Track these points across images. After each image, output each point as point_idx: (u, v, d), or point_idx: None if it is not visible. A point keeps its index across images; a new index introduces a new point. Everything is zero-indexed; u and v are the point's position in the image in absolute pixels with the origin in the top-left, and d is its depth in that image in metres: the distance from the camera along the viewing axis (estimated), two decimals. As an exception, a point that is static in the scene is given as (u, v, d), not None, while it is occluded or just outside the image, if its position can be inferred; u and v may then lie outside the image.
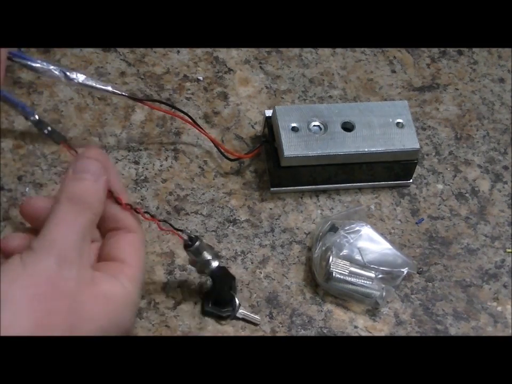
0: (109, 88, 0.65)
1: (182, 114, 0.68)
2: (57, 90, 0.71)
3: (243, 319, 0.61)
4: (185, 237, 0.57)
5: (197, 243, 0.57)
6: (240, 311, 0.61)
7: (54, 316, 0.47)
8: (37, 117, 0.56)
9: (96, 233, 0.54)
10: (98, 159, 0.52)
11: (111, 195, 0.53)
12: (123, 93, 0.66)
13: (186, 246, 0.58)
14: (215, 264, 0.58)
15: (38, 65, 0.63)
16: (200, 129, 0.68)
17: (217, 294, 0.60)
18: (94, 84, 0.65)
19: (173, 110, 0.68)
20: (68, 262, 0.48)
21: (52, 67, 0.63)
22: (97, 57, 0.74)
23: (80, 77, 0.64)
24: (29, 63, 0.64)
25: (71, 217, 0.49)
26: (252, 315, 0.61)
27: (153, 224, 0.56)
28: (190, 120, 0.68)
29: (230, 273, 0.61)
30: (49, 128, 0.55)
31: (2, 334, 0.45)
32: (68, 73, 0.64)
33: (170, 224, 0.57)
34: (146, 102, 0.68)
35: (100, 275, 0.50)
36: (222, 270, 0.60)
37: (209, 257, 0.58)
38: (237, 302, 0.61)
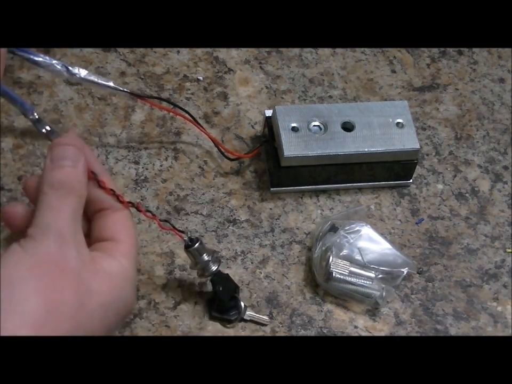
0: (111, 84, 0.65)
1: (182, 112, 0.68)
2: (57, 90, 0.71)
3: (251, 321, 0.61)
4: (186, 237, 0.57)
5: (197, 244, 0.57)
6: (247, 313, 0.60)
7: (62, 293, 0.47)
8: (36, 115, 0.56)
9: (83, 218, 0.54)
10: (74, 144, 0.52)
11: (94, 178, 0.53)
12: (124, 89, 0.66)
13: (187, 247, 0.58)
14: (214, 267, 0.58)
15: (40, 59, 0.64)
16: (201, 128, 0.68)
17: (219, 299, 0.60)
18: (95, 80, 0.65)
19: (174, 108, 0.68)
20: (65, 242, 0.49)
21: (54, 61, 0.64)
22: (97, 57, 0.74)
23: (82, 72, 0.64)
24: (31, 57, 0.64)
25: (58, 203, 0.50)
26: (259, 316, 0.61)
27: (154, 224, 0.56)
28: (190, 118, 0.68)
29: (233, 281, 0.61)
30: (47, 128, 0.55)
31: (16, 314, 0.45)
32: (70, 68, 0.64)
33: (172, 224, 0.57)
34: (147, 99, 0.67)
35: (97, 254, 0.51)
36: (224, 276, 0.60)
37: (208, 259, 0.58)
38: (242, 304, 0.60)
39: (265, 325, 0.61)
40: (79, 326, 0.48)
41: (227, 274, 0.61)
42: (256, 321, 0.61)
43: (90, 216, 0.54)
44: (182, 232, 0.57)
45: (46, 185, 0.51)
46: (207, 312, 0.61)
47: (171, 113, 0.69)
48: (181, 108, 0.68)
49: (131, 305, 0.53)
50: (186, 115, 0.68)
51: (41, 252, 0.48)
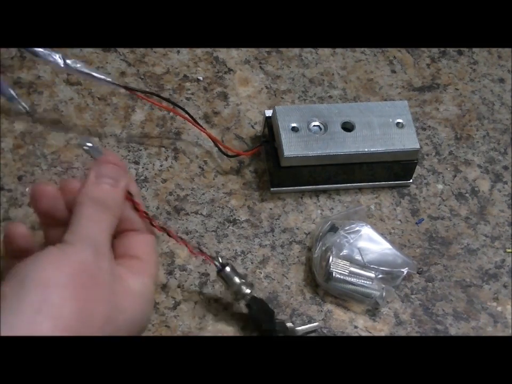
0: (106, 78, 0.65)
1: (180, 111, 0.68)
2: (57, 90, 0.71)
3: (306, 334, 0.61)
4: (217, 263, 0.58)
5: (227, 268, 0.58)
6: (299, 328, 0.60)
7: (95, 304, 0.48)
8: (12, 92, 0.55)
9: None
10: (117, 164, 0.54)
11: (130, 199, 0.54)
12: (120, 84, 0.66)
13: (219, 271, 0.59)
14: (247, 290, 0.59)
15: (40, 49, 0.64)
16: (198, 126, 0.68)
17: (253, 324, 0.60)
18: (90, 72, 0.65)
19: (173, 107, 0.68)
20: (102, 254, 0.50)
21: (51, 52, 0.64)
22: (97, 57, 0.74)
23: (79, 64, 0.64)
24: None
25: (97, 216, 0.51)
26: (310, 326, 0.60)
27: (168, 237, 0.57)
28: (188, 117, 0.68)
29: (269, 307, 0.60)
30: (89, 144, 0.55)
31: (51, 317, 0.46)
32: (66, 60, 0.64)
33: (202, 251, 0.59)
34: (140, 94, 0.67)
35: (124, 271, 0.52)
36: (260, 301, 0.60)
37: (241, 282, 0.58)
38: (289, 324, 0.60)
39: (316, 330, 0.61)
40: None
41: (262, 299, 0.60)
42: (310, 331, 0.61)
43: (116, 234, 0.55)
44: (213, 257, 0.59)
45: (87, 198, 0.52)
46: (254, 327, 0.60)
47: (170, 112, 0.69)
48: (179, 106, 0.68)
49: (147, 323, 0.55)
50: (184, 113, 0.68)
51: (80, 259, 0.49)
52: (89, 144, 0.55)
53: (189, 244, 0.57)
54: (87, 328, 0.47)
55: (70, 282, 0.47)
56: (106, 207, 0.52)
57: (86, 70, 0.65)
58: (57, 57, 0.64)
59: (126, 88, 0.67)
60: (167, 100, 0.68)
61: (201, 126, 0.68)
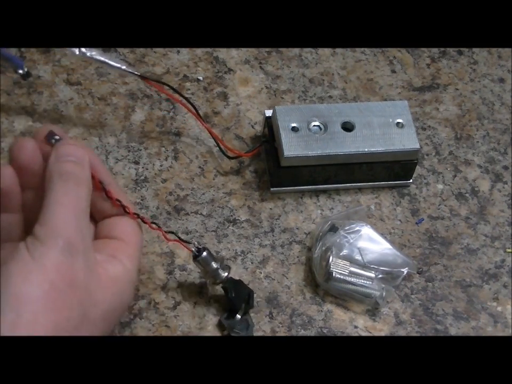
0: (121, 66, 0.65)
1: (186, 103, 0.68)
2: (57, 90, 0.71)
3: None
4: (193, 248, 0.58)
5: (204, 253, 0.58)
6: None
7: (69, 310, 0.48)
8: (25, 69, 0.55)
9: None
10: (79, 145, 0.53)
11: (101, 188, 0.54)
12: (135, 72, 0.66)
13: (195, 257, 0.58)
14: (224, 274, 0.59)
15: None
16: (203, 122, 0.68)
17: (232, 306, 0.60)
18: (106, 60, 0.65)
19: (181, 98, 0.68)
20: (74, 249, 0.48)
21: None
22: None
23: (94, 52, 0.64)
24: None
25: (68, 196, 0.50)
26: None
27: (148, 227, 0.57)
28: (193, 110, 0.68)
29: (247, 286, 0.61)
30: (56, 137, 0.54)
31: (25, 334, 0.45)
32: (81, 48, 0.64)
33: (178, 236, 0.58)
34: (153, 83, 0.67)
35: (102, 257, 0.52)
36: (236, 282, 0.60)
37: (217, 266, 0.58)
38: (238, 316, 0.60)
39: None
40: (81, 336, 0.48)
41: (239, 280, 0.61)
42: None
43: (98, 219, 0.55)
44: (188, 242, 0.58)
45: (53, 176, 0.50)
46: (219, 317, 0.60)
47: (172, 107, 0.69)
48: (185, 98, 0.68)
49: (128, 305, 0.54)
50: (189, 106, 0.68)
51: (50, 262, 0.48)
52: (57, 137, 0.53)
53: (162, 230, 0.57)
54: (62, 334, 0.47)
55: (43, 295, 0.46)
56: (76, 180, 0.51)
57: (101, 58, 0.65)
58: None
59: (141, 76, 0.66)
60: (178, 92, 0.68)
61: (205, 123, 0.68)
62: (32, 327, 0.46)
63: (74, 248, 0.49)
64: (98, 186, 0.54)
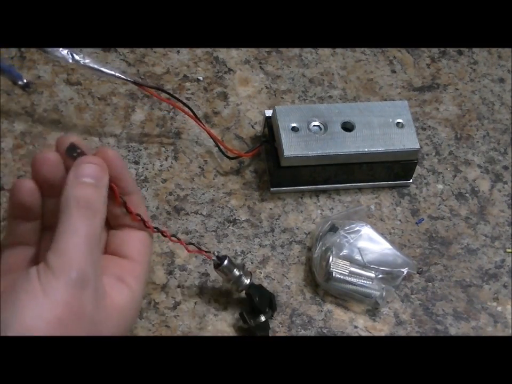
0: (115, 73, 0.65)
1: (183, 107, 0.67)
2: (57, 90, 0.71)
3: None
4: (214, 257, 0.58)
5: (226, 261, 0.58)
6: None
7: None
8: (24, 80, 0.55)
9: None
10: (98, 163, 0.52)
11: (122, 203, 0.53)
12: (128, 79, 0.66)
13: (216, 266, 0.58)
14: (247, 280, 0.59)
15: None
16: (201, 124, 0.68)
17: (257, 311, 0.60)
18: (99, 68, 0.65)
19: (176, 102, 0.68)
20: (86, 282, 0.48)
21: (60, 48, 0.63)
22: (97, 57, 0.74)
23: (87, 59, 0.64)
24: None
25: (83, 225, 0.49)
26: None
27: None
28: (191, 113, 0.68)
29: (267, 290, 0.61)
30: (78, 152, 0.53)
31: None
32: (74, 55, 0.64)
33: (198, 247, 0.58)
34: (149, 89, 0.67)
35: (110, 281, 0.51)
36: (258, 287, 0.60)
37: (240, 273, 0.59)
38: (262, 319, 0.60)
39: None
40: None
41: (260, 284, 0.61)
42: None
43: (112, 226, 0.54)
44: (209, 252, 0.58)
45: (71, 200, 0.50)
46: (241, 321, 0.60)
47: (172, 107, 0.69)
48: (182, 102, 0.68)
49: (132, 326, 0.54)
50: (187, 109, 0.68)
51: (61, 299, 0.47)
52: (79, 151, 0.52)
53: (184, 242, 0.57)
54: None
55: (48, 331, 0.46)
56: (93, 209, 0.50)
57: (95, 66, 0.65)
58: (65, 53, 0.63)
59: (135, 83, 0.66)
60: (175, 97, 0.68)
61: (203, 125, 0.68)
62: None
63: (86, 281, 0.48)
64: (118, 201, 0.53)
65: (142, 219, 0.54)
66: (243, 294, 0.60)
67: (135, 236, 0.54)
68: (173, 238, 0.56)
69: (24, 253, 0.52)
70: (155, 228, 0.55)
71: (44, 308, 0.46)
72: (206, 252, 0.58)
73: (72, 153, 0.52)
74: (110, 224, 0.55)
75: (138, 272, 0.53)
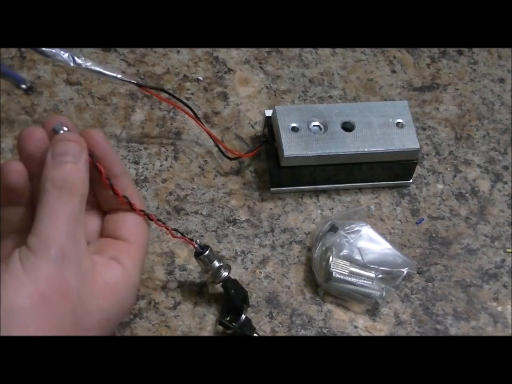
0: (116, 75, 0.65)
1: (184, 107, 0.67)
2: (57, 90, 0.71)
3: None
4: (196, 245, 0.58)
5: (208, 251, 0.58)
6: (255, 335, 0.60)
7: (58, 319, 0.47)
8: (28, 83, 0.54)
9: (93, 212, 0.54)
10: (76, 140, 0.52)
11: (109, 185, 0.53)
12: (131, 80, 0.66)
13: (197, 254, 0.58)
14: (225, 273, 0.59)
15: (46, 48, 0.63)
16: (201, 125, 0.68)
17: (231, 304, 0.60)
18: (101, 70, 0.64)
19: (177, 102, 0.68)
20: (66, 258, 0.48)
21: (61, 51, 0.63)
22: (97, 57, 0.74)
23: (89, 63, 0.64)
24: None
25: (61, 206, 0.49)
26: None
27: (153, 224, 0.56)
28: (192, 114, 0.68)
29: (242, 286, 0.61)
30: (64, 128, 0.53)
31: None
32: (75, 58, 0.64)
33: (181, 233, 0.58)
34: (151, 91, 0.67)
35: (100, 260, 0.51)
36: (234, 281, 0.60)
37: (220, 265, 0.59)
38: (243, 317, 0.60)
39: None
40: None
41: (236, 279, 0.61)
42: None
43: (106, 211, 0.55)
44: (192, 240, 0.58)
45: (48, 182, 0.50)
46: (218, 319, 0.60)
47: (172, 107, 0.69)
48: (183, 102, 0.68)
49: (130, 310, 0.53)
50: (188, 110, 0.67)
51: (43, 275, 0.47)
52: (65, 129, 0.52)
53: (168, 226, 0.57)
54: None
55: (34, 306, 0.46)
56: (71, 189, 0.50)
57: (97, 68, 0.64)
58: (66, 56, 0.63)
59: (138, 85, 0.66)
60: (178, 99, 0.68)
61: (204, 125, 0.68)
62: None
63: (66, 256, 0.48)
64: (105, 182, 0.53)
65: (128, 201, 0.54)
66: (217, 290, 0.60)
67: (131, 219, 0.54)
68: (159, 222, 0.56)
69: (16, 241, 0.52)
70: (141, 210, 0.54)
71: (26, 285, 0.47)
72: (189, 239, 0.58)
73: (59, 131, 0.52)
74: (104, 208, 0.55)
75: (133, 253, 0.53)
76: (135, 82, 0.66)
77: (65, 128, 0.52)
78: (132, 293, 0.53)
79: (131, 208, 0.54)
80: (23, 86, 0.54)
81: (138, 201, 0.55)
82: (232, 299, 0.59)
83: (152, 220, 0.55)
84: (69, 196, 0.50)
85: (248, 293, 0.61)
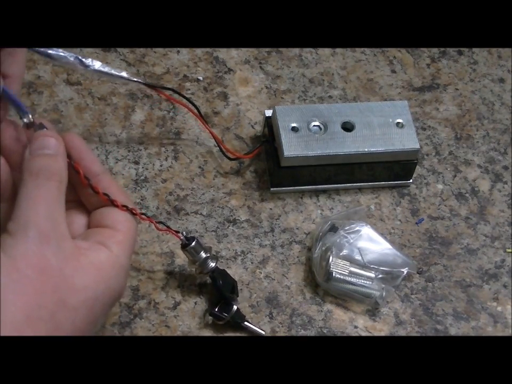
0: (124, 75, 0.65)
1: (188, 104, 0.67)
2: (57, 90, 0.71)
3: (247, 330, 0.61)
4: (182, 237, 0.58)
5: (194, 242, 0.58)
6: (246, 323, 0.60)
7: (41, 296, 0.47)
8: (31, 117, 0.54)
9: (79, 208, 0.55)
10: (54, 136, 0.53)
11: (88, 184, 0.53)
12: (138, 80, 0.66)
13: (184, 246, 0.58)
14: (212, 263, 0.59)
15: (52, 52, 0.63)
16: (205, 124, 0.68)
17: (219, 294, 0.60)
18: (109, 71, 0.64)
19: (183, 99, 0.68)
20: (45, 237, 0.48)
21: (66, 54, 0.63)
22: (97, 57, 0.74)
23: (96, 64, 0.64)
24: (43, 49, 0.63)
25: (37, 192, 0.50)
26: (255, 328, 0.60)
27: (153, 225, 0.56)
28: (196, 112, 0.67)
29: (231, 276, 0.61)
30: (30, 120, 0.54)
31: None
32: (83, 60, 0.63)
33: (167, 226, 0.58)
34: (158, 89, 0.67)
35: (85, 244, 0.51)
36: (222, 272, 0.60)
37: (206, 256, 0.59)
38: (234, 307, 0.60)
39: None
40: (60, 326, 0.47)
41: (224, 270, 0.61)
42: (252, 331, 0.60)
43: (90, 210, 0.55)
44: (178, 232, 0.58)
45: (25, 173, 0.51)
46: (208, 310, 0.61)
47: (172, 107, 0.69)
48: (188, 100, 0.68)
49: (120, 294, 0.52)
50: (193, 108, 0.67)
51: (20, 254, 0.47)
52: (45, 130, 0.53)
53: (152, 220, 0.56)
54: (36, 321, 0.46)
55: (11, 283, 0.46)
56: (47, 175, 0.50)
57: (105, 69, 0.64)
58: (73, 59, 0.63)
59: (147, 84, 0.66)
60: (183, 96, 0.68)
61: (206, 124, 0.68)
62: (3, 318, 0.45)
63: (45, 236, 0.48)
64: (84, 181, 0.53)
65: (109, 198, 0.54)
66: (204, 281, 0.61)
67: (114, 209, 0.54)
68: (143, 216, 0.55)
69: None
70: (124, 205, 0.54)
71: (4, 264, 0.47)
72: (174, 231, 0.58)
73: (36, 129, 0.53)
74: (89, 209, 0.55)
75: (120, 238, 0.52)
76: (144, 82, 0.66)
77: (45, 129, 0.53)
78: (119, 273, 0.52)
79: (113, 204, 0.54)
80: (25, 120, 0.54)
81: (122, 197, 0.54)
82: (219, 289, 0.60)
83: (135, 214, 0.55)
84: (47, 182, 0.50)
85: (237, 283, 0.61)
